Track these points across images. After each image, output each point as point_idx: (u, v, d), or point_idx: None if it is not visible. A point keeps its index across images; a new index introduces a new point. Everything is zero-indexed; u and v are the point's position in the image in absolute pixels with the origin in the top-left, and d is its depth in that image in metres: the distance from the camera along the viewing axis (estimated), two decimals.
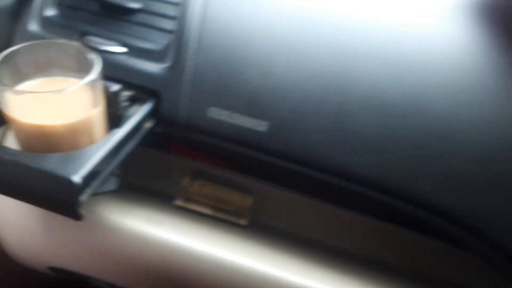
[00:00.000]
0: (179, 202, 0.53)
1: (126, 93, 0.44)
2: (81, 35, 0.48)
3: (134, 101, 0.46)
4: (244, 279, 0.49)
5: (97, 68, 0.38)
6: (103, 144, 0.38)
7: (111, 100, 0.43)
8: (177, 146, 0.51)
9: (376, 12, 0.44)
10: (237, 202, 0.53)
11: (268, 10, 0.44)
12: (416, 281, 0.51)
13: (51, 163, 0.34)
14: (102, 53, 0.46)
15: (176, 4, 0.47)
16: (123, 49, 0.47)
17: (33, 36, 0.48)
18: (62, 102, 0.38)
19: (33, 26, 0.48)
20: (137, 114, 0.43)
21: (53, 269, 0.55)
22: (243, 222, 0.52)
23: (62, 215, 0.35)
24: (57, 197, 0.33)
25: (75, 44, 0.40)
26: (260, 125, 0.43)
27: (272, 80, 0.42)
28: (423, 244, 0.51)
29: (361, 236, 0.53)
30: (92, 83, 0.38)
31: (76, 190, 0.33)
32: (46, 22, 0.48)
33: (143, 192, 0.54)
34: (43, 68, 0.40)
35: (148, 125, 0.45)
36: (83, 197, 0.34)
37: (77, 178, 0.33)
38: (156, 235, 0.49)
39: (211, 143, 0.46)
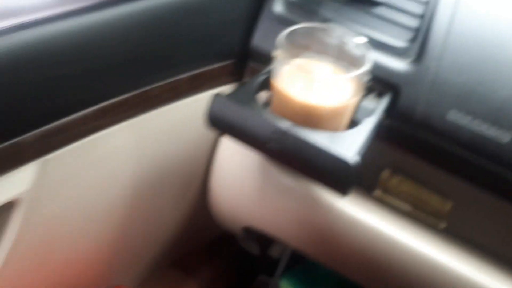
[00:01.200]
0: (378, 193, 0.55)
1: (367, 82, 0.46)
2: (324, 21, 0.50)
3: (371, 90, 0.47)
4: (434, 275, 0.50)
5: (369, 62, 0.40)
6: (363, 130, 0.40)
7: None
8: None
9: None
10: (436, 205, 0.53)
11: None
12: None
13: (325, 141, 0.37)
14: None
15: (426, 3, 0.47)
16: (364, 40, 0.49)
17: (278, 18, 0.52)
18: (333, 87, 0.40)
19: (279, 7, 0.52)
20: (381, 105, 0.45)
21: (247, 229, 0.61)
22: (442, 225, 0.52)
23: (330, 189, 0.38)
24: (333, 173, 0.36)
25: (347, 33, 0.43)
26: (504, 136, 0.42)
27: None
28: None
29: None
30: (361, 75, 0.40)
31: (352, 170, 0.35)
32: (291, 5, 0.52)
33: None
34: (308, 49, 0.44)
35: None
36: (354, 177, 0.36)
37: (354, 160, 0.35)
38: (359, 218, 0.51)
39: (440, 146, 0.46)
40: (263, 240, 0.67)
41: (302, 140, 0.37)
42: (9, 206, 0.40)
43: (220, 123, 0.40)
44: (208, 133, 0.59)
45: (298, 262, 0.76)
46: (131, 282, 0.70)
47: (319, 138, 0.37)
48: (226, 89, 0.56)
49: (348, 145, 0.38)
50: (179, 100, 0.49)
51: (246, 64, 0.56)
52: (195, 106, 0.52)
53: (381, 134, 0.52)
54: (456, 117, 0.44)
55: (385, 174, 0.55)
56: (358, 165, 0.36)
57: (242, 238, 0.73)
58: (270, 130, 0.38)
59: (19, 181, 0.37)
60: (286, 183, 0.53)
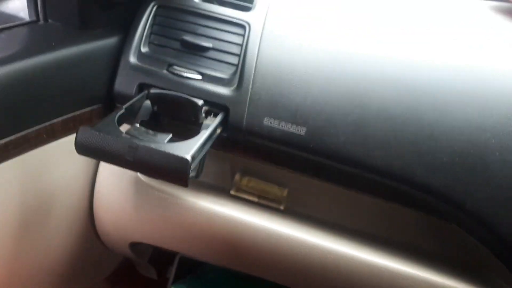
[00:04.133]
0: (233, 192, 0.70)
1: (205, 107, 0.62)
2: (168, 66, 0.66)
3: (208, 113, 0.63)
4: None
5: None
6: (198, 138, 0.55)
7: (196, 111, 0.60)
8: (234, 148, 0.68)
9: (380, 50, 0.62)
10: (276, 193, 0.70)
11: (307, 48, 0.63)
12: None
13: (168, 148, 0.50)
14: (184, 79, 0.64)
15: (239, 45, 0.65)
16: (200, 77, 0.65)
17: (132, 66, 0.66)
18: None
19: (132, 58, 0.66)
20: (215, 121, 0.60)
21: (134, 244, 0.71)
22: (282, 207, 0.69)
23: (174, 183, 0.51)
24: (176, 170, 0.50)
25: None
26: (301, 130, 0.60)
27: (311, 98, 0.60)
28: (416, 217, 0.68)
29: (371, 215, 0.69)
30: None
31: (188, 165, 0.49)
32: (142, 56, 0.67)
33: (208, 183, 0.71)
34: None
35: (218, 130, 0.63)
36: (190, 171, 0.50)
37: (189, 157, 0.49)
38: (221, 213, 0.65)
39: (264, 145, 0.63)
40: (158, 263, 0.77)
41: (152, 149, 0.50)
42: None
43: (87, 149, 0.51)
44: (86, 164, 0.69)
45: (190, 272, 0.87)
46: None
47: (163, 146, 0.51)
48: None
49: (186, 149, 0.52)
50: (56, 140, 0.59)
51: (113, 106, 0.68)
52: (71, 144, 0.62)
53: (226, 146, 0.67)
54: (269, 122, 0.61)
55: (237, 177, 0.70)
56: (191, 162, 0.50)
57: (138, 263, 0.82)
58: (127, 146, 0.50)
59: None
60: (153, 193, 0.65)
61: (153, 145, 0.50)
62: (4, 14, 0.66)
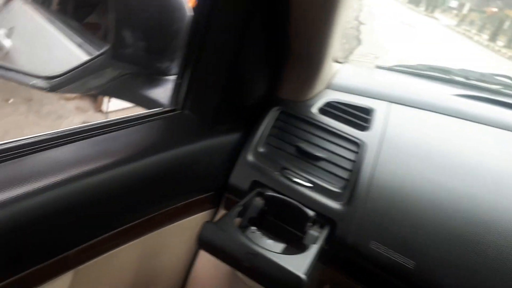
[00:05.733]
0: None
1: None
2: (281, 168, 0.69)
3: (314, 221, 0.65)
4: None
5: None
6: (310, 254, 0.56)
7: (304, 221, 0.62)
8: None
9: None
10: None
11: (423, 179, 0.64)
12: None
13: (283, 261, 0.52)
14: (295, 184, 0.67)
15: (352, 161, 0.68)
16: (311, 184, 0.68)
17: (249, 164, 0.70)
18: None
19: (250, 157, 0.71)
20: (322, 235, 0.62)
21: None
22: None
23: None
24: (287, 284, 0.51)
25: None
26: (409, 263, 0.60)
27: (422, 232, 0.60)
28: None
29: None
30: None
31: (302, 283, 0.50)
32: (259, 155, 0.71)
33: None
34: None
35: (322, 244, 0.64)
36: None
37: (304, 277, 0.51)
38: None
39: (365, 267, 0.62)
40: None
41: (270, 259, 0.52)
42: None
43: (207, 246, 0.54)
44: (189, 247, 0.72)
45: None
46: None
47: (280, 258, 0.53)
48: (207, 214, 0.71)
49: (301, 266, 0.53)
50: (174, 223, 0.64)
51: (222, 194, 0.73)
52: (182, 227, 0.66)
53: (322, 257, 0.68)
54: (376, 246, 0.61)
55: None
56: (305, 280, 0.51)
57: None
58: (246, 251, 0.53)
59: (58, 285, 0.47)
60: None
61: (269, 255, 0.52)
62: (147, 97, 0.74)
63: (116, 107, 3.00)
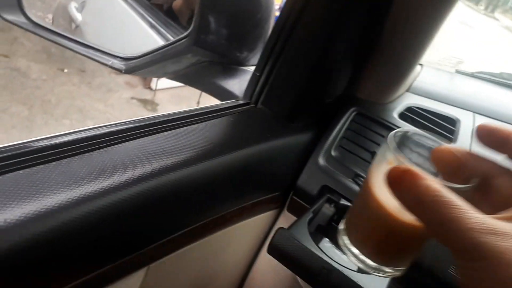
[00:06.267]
0: None
1: None
2: (355, 175, 0.65)
3: None
4: None
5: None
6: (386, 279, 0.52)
7: None
8: None
9: None
10: None
11: None
12: None
13: (362, 280, 0.48)
14: None
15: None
16: None
17: (320, 167, 0.66)
18: None
19: (322, 160, 0.67)
20: None
21: None
22: None
23: None
24: None
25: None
26: None
27: None
28: None
29: None
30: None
31: None
32: (331, 159, 0.67)
33: None
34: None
35: None
36: None
37: None
38: None
39: None
40: None
41: (347, 277, 0.49)
42: None
43: (279, 254, 0.51)
44: (252, 248, 0.70)
45: None
46: None
47: (357, 279, 0.49)
48: (271, 214, 0.68)
49: (379, 286, 0.49)
50: (240, 222, 0.61)
51: (288, 195, 0.70)
52: (247, 228, 0.64)
53: (399, 280, 0.64)
54: (455, 271, 0.57)
55: None
56: None
57: None
58: (321, 266, 0.49)
59: (132, 282, 0.46)
60: None
61: (347, 273, 0.49)
62: (222, 87, 0.71)
63: (165, 86, 3.03)
